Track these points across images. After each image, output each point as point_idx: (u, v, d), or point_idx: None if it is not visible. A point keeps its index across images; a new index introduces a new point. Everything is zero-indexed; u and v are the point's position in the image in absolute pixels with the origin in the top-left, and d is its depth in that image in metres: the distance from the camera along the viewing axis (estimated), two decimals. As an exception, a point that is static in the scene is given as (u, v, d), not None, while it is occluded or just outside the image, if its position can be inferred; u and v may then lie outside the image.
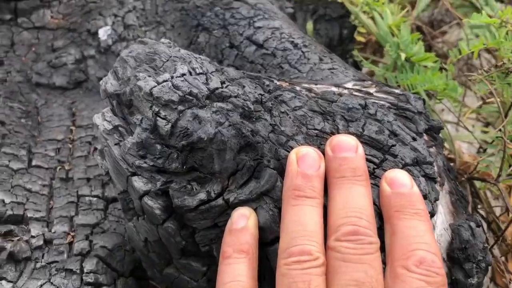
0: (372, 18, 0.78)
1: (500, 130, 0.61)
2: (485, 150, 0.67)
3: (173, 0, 0.69)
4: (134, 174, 0.39)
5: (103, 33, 0.69)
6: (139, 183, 0.38)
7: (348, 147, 0.37)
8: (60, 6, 0.73)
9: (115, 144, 0.40)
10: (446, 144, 0.79)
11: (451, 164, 0.79)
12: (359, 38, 0.99)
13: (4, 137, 0.56)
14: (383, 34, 0.73)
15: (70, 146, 0.58)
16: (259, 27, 0.59)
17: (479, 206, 0.71)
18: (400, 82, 0.69)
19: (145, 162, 0.38)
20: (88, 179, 0.53)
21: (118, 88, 0.41)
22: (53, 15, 0.73)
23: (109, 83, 0.42)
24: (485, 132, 1.05)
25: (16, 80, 0.67)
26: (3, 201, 0.47)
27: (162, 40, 0.45)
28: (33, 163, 0.54)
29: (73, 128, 0.61)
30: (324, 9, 0.82)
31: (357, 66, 0.86)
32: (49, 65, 0.68)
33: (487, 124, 1.07)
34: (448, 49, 0.74)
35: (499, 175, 0.59)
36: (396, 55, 0.69)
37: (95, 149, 0.57)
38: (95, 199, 0.51)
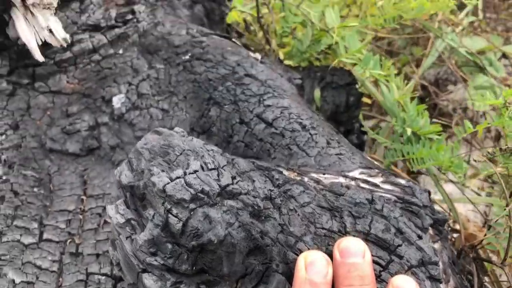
0: (376, 83, 0.80)
1: (504, 209, 0.62)
2: (489, 227, 0.67)
3: (186, 71, 0.72)
4: (144, 270, 0.39)
5: (117, 101, 0.71)
6: (149, 281, 0.39)
7: (356, 252, 0.38)
8: (76, 71, 0.75)
9: (127, 238, 0.41)
10: (451, 213, 0.79)
11: (456, 235, 0.79)
12: (366, 100, 1.01)
13: (17, 208, 0.57)
14: (390, 106, 0.75)
15: (81, 217, 0.59)
16: (269, 105, 0.60)
17: (486, 280, 0.71)
18: (407, 156, 0.70)
19: (156, 260, 0.39)
20: (98, 255, 0.54)
21: (132, 179, 0.43)
22: (69, 80, 0.75)
23: (124, 174, 0.43)
24: (490, 195, 1.06)
25: (30, 145, 0.68)
26: (13, 281, 0.48)
27: (176, 129, 0.47)
28: (44, 236, 0.55)
29: (84, 198, 0.62)
30: (331, 76, 0.84)
31: (363, 132, 0.88)
32: (63, 131, 0.70)
33: (492, 183, 1.07)
34: (454, 127, 0.76)
35: (505, 258, 0.59)
36: (402, 129, 0.71)
37: (105, 222, 0.58)
38: (103, 277, 0.52)
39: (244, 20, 1.01)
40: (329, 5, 0.77)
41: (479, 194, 0.99)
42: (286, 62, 0.84)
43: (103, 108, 0.72)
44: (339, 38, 0.75)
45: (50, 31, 0.46)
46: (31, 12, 0.45)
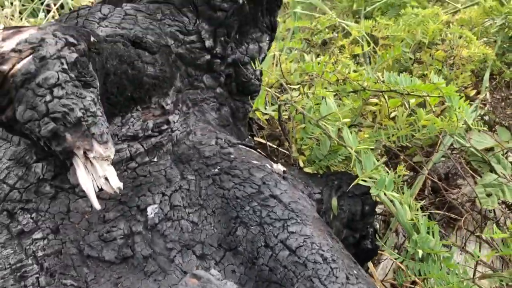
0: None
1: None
2: None
3: (215, 184, 0.78)
4: None
5: (151, 211, 0.77)
6: None
7: None
8: (114, 177, 0.82)
9: None
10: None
11: None
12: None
13: (58, 322, 0.62)
14: (403, 223, 0.80)
15: (115, 331, 0.64)
16: (293, 232, 0.66)
17: None
18: (417, 276, 0.75)
19: None
20: None
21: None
22: (107, 185, 0.82)
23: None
24: None
25: (70, 252, 0.74)
26: None
27: (212, 271, 0.52)
28: None
29: (118, 309, 0.67)
30: (348, 185, 0.90)
31: (377, 236, 0.93)
32: (100, 238, 0.76)
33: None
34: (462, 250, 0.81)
35: None
36: (414, 250, 0.76)
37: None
38: None
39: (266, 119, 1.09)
40: (346, 123, 0.84)
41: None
42: (306, 169, 0.91)
43: (137, 217, 0.78)
44: (356, 154, 0.82)
45: (106, 179, 0.53)
46: (91, 162, 0.52)
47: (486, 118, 1.57)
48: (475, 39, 1.30)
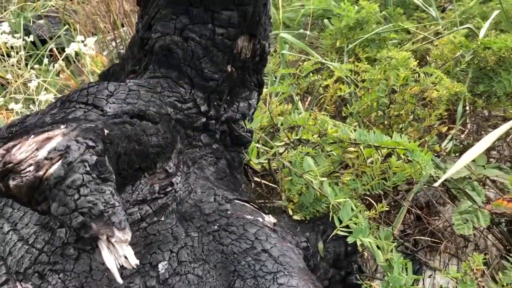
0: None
1: None
2: None
3: (215, 241, 0.91)
4: None
5: (162, 267, 0.90)
6: None
7: None
8: (128, 237, 0.95)
9: None
10: None
11: None
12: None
13: None
14: (379, 263, 0.93)
15: None
16: (281, 284, 0.79)
17: None
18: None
19: None
20: None
21: None
22: (122, 245, 0.95)
23: None
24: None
25: (95, 308, 0.87)
26: None
27: None
28: None
29: None
30: (332, 229, 1.03)
31: (361, 272, 1.06)
32: (119, 294, 0.89)
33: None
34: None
35: None
36: (388, 290, 0.88)
37: None
38: None
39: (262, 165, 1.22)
40: (325, 177, 0.97)
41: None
42: (295, 216, 1.04)
43: (150, 273, 0.91)
44: (335, 205, 0.95)
45: (126, 257, 0.66)
46: (113, 245, 0.65)
47: (465, 143, 1.70)
48: (445, 78, 1.43)
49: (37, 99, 1.97)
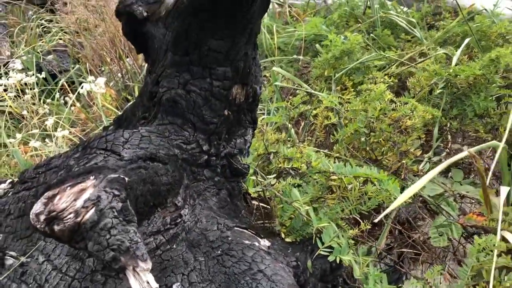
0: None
1: None
2: None
3: (219, 264, 1.09)
4: None
5: (175, 288, 1.08)
6: None
7: None
8: (145, 263, 1.13)
9: None
10: None
11: None
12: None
13: None
14: (356, 275, 1.10)
15: None
16: (274, 298, 0.96)
17: None
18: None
19: None
20: None
21: None
22: (141, 270, 1.13)
23: None
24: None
25: (121, 324, 1.05)
26: None
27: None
28: None
29: None
30: (318, 249, 1.20)
31: (346, 283, 1.23)
32: (141, 311, 1.06)
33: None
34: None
35: None
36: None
37: None
38: None
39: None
40: (310, 205, 1.15)
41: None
42: (287, 239, 1.21)
43: (166, 293, 1.08)
44: (319, 228, 1.12)
45: (148, 282, 0.83)
46: (137, 273, 0.83)
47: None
48: (419, 106, 1.61)
49: (54, 135, 2.16)
